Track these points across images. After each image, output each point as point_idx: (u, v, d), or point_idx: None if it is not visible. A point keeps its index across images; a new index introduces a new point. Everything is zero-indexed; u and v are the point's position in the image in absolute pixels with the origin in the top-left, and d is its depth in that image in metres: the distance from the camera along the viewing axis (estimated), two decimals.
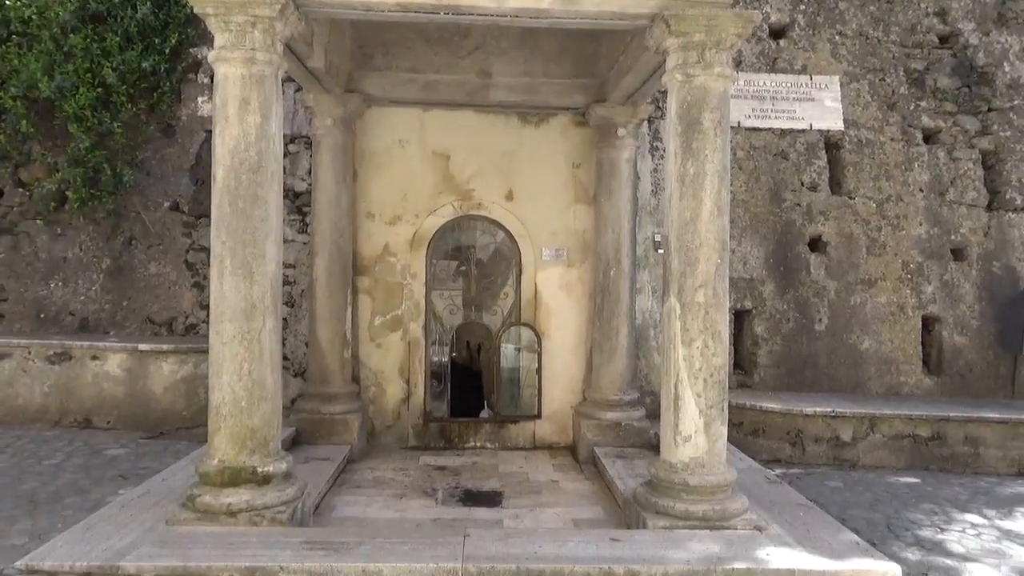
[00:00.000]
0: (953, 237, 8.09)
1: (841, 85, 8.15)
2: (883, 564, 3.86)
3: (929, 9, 8.45)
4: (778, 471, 6.26)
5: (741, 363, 7.87)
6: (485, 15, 4.76)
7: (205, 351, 6.48)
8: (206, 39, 7.73)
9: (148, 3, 7.60)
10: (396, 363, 7.02)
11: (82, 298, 7.67)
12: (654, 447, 6.36)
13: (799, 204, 7.96)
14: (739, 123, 7.85)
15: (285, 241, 6.82)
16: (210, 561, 3.65)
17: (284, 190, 5.57)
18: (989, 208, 8.20)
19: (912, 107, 8.24)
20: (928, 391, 7.87)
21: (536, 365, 7.07)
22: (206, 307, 7.35)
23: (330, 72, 5.81)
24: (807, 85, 8.12)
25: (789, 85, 8.08)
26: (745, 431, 6.98)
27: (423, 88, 6.71)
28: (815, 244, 7.99)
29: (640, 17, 4.61)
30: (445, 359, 7.26)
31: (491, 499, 5.50)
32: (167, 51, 7.61)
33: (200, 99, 7.84)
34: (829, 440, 6.91)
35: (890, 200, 8.04)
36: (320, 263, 6.52)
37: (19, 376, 6.96)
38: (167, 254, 7.69)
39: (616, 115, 6.60)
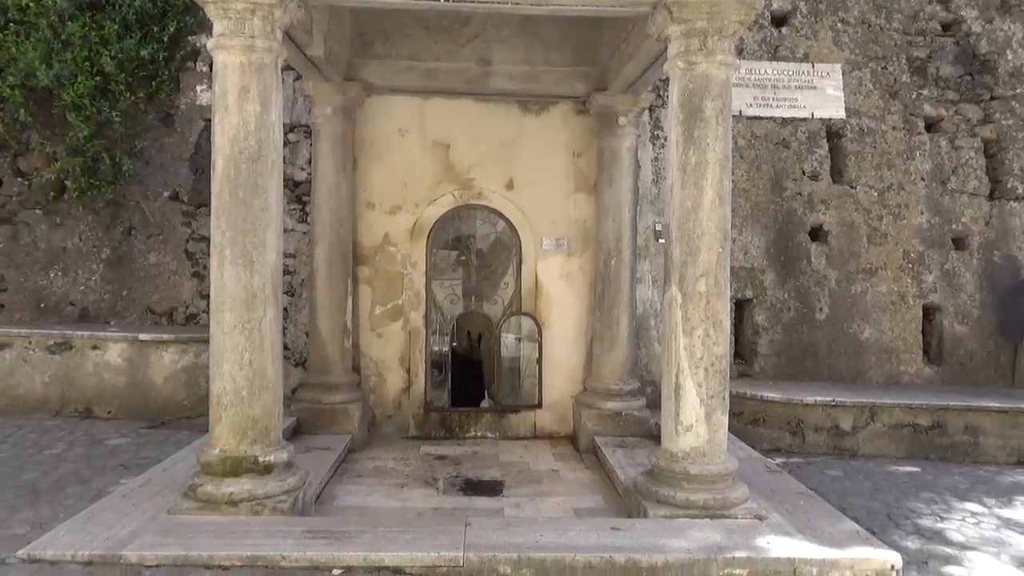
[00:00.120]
0: (954, 226, 8.07)
1: (843, 73, 8.11)
2: (883, 553, 3.87)
3: None
4: (778, 460, 6.27)
5: (742, 352, 7.87)
6: (486, 2, 4.73)
7: (206, 341, 6.49)
8: (205, 27, 7.67)
9: None
10: (397, 353, 7.02)
11: (82, 288, 7.65)
12: (654, 436, 6.38)
13: (800, 193, 7.93)
14: (740, 112, 7.81)
15: (285, 230, 6.79)
16: (212, 550, 3.66)
17: (284, 179, 5.54)
18: (991, 197, 8.17)
19: (914, 95, 8.20)
20: (928, 380, 7.87)
21: (537, 355, 7.07)
22: (206, 297, 7.34)
23: (329, 60, 5.77)
24: (809, 73, 8.07)
25: (791, 73, 8.04)
26: (745, 420, 6.99)
27: (423, 76, 6.68)
28: (816, 233, 7.97)
29: (642, 4, 4.58)
30: (446, 349, 7.26)
31: (492, 488, 5.51)
32: (166, 39, 7.56)
33: (199, 88, 7.79)
34: (829, 429, 6.91)
35: (891, 189, 8.02)
36: (320, 252, 6.51)
37: (20, 366, 6.95)
38: (167, 244, 7.67)
39: (617, 103, 6.57)
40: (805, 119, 8.03)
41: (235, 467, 4.18)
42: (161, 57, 7.54)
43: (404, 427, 7.00)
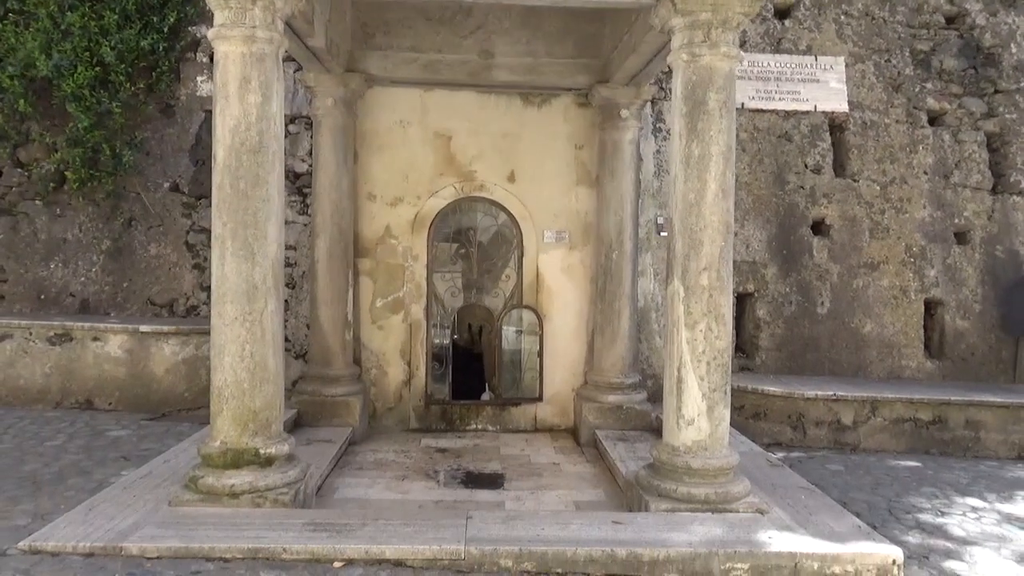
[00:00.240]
0: (957, 220, 8.05)
1: (846, 66, 8.07)
2: (885, 547, 3.87)
3: None
4: (779, 454, 6.27)
5: (743, 346, 7.86)
6: None
7: (206, 332, 6.51)
8: (205, 17, 7.64)
9: None
10: (397, 345, 7.01)
11: (82, 279, 7.64)
12: (655, 430, 6.38)
13: (802, 187, 7.91)
14: (743, 105, 7.79)
15: (286, 222, 6.77)
16: (213, 542, 3.65)
17: (284, 171, 5.53)
18: (993, 191, 8.15)
19: (917, 89, 8.16)
20: (930, 375, 7.86)
21: (538, 348, 7.06)
22: (207, 289, 7.34)
23: (331, 51, 5.74)
24: (812, 66, 8.04)
25: (794, 66, 8.00)
26: (746, 414, 6.98)
27: (424, 68, 6.64)
28: (818, 227, 7.96)
29: None
30: (446, 341, 7.25)
31: (492, 481, 5.51)
32: (166, 30, 7.52)
33: (199, 79, 7.76)
34: (830, 423, 6.91)
35: (894, 183, 7.99)
36: (321, 245, 6.49)
37: (20, 357, 6.94)
38: (167, 235, 7.65)
39: (619, 96, 6.55)
40: (808, 112, 8.00)
41: (236, 459, 4.17)
42: (161, 47, 7.50)
43: (405, 420, 7.00)
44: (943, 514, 5.07)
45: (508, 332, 7.20)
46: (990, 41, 8.30)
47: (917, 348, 7.90)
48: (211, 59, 7.46)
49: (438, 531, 3.89)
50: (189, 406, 6.91)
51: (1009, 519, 5.04)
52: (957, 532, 4.73)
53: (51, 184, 7.58)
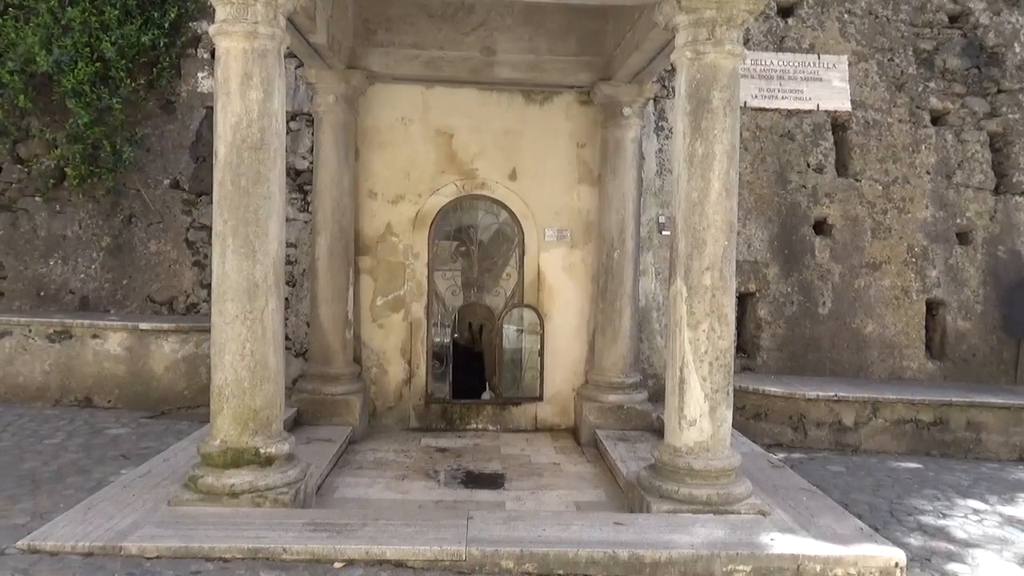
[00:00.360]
0: (959, 221, 8.03)
1: (849, 65, 8.04)
2: (887, 549, 3.85)
3: None
4: (780, 455, 6.25)
5: (744, 346, 7.83)
6: None
7: (206, 330, 6.48)
8: (206, 13, 7.60)
9: None
10: (398, 344, 6.99)
11: (82, 276, 7.61)
12: (656, 430, 6.36)
13: (805, 186, 7.89)
14: (745, 103, 7.75)
15: (286, 220, 6.72)
16: (213, 542, 3.63)
17: (285, 168, 5.48)
18: (996, 191, 8.13)
19: (920, 88, 8.14)
20: (931, 376, 7.85)
21: (538, 347, 7.03)
22: (207, 286, 7.31)
23: (332, 48, 5.71)
24: (815, 65, 8.01)
25: (797, 64, 7.97)
26: (747, 415, 6.96)
27: (426, 65, 6.62)
28: (820, 227, 7.93)
29: None
30: (447, 340, 7.23)
31: (493, 481, 5.49)
32: (166, 25, 7.48)
33: (200, 75, 7.73)
34: (831, 424, 6.89)
35: (896, 182, 7.97)
36: (322, 242, 6.46)
37: (19, 354, 6.92)
38: (167, 232, 7.62)
39: (622, 94, 6.52)
40: (810, 111, 7.97)
41: (236, 458, 4.15)
42: (162, 43, 7.47)
43: (405, 419, 6.98)
44: (945, 516, 5.06)
45: (509, 331, 7.18)
46: (993, 40, 8.27)
47: (918, 349, 7.88)
48: (212, 55, 7.45)
49: (439, 532, 3.87)
50: (189, 404, 6.89)
51: (1011, 521, 5.03)
52: (959, 534, 4.72)
53: (51, 180, 7.55)
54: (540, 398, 7.05)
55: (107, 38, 7.26)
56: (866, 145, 7.98)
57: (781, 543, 3.85)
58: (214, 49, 4.29)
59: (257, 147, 4.18)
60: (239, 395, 4.18)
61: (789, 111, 7.95)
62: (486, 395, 7.21)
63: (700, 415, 4.32)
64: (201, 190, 7.57)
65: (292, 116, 7.36)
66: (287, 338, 7.01)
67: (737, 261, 6.96)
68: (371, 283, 6.97)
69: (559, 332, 7.06)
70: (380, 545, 3.69)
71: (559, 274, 7.10)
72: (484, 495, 5.16)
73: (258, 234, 4.18)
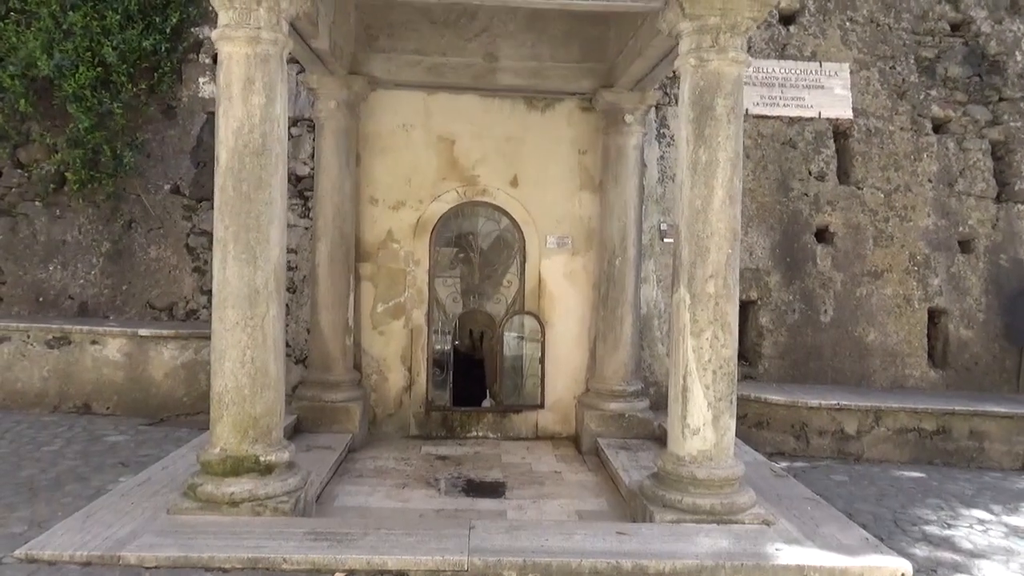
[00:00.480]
0: (961, 229, 8.01)
1: (851, 73, 8.03)
2: (893, 560, 3.82)
3: None
4: (783, 464, 6.22)
5: (745, 354, 7.79)
6: None
7: (206, 337, 6.45)
8: (208, 18, 7.59)
9: None
10: (398, 351, 6.95)
11: (81, 282, 7.58)
12: (658, 438, 6.34)
13: (806, 194, 7.87)
14: (747, 110, 7.72)
15: (287, 226, 6.72)
16: (212, 552, 3.59)
17: (287, 174, 5.46)
18: (998, 200, 8.11)
19: (922, 96, 8.13)
20: (933, 384, 7.81)
21: (539, 354, 7.00)
22: (207, 292, 7.28)
23: (334, 53, 5.70)
24: (816, 72, 8.00)
25: (798, 72, 7.96)
26: (749, 423, 6.92)
27: (428, 71, 6.61)
28: (822, 235, 7.91)
29: None
30: (447, 347, 7.20)
31: (494, 490, 5.45)
32: (168, 30, 7.47)
33: (201, 80, 7.71)
34: (834, 433, 6.86)
35: (898, 191, 7.95)
36: (322, 249, 6.44)
37: (18, 360, 6.88)
38: (167, 238, 7.59)
39: (624, 101, 6.51)
40: (812, 119, 7.96)
41: (236, 467, 4.12)
42: (163, 48, 7.45)
43: (405, 426, 6.94)
44: (949, 526, 5.02)
45: (510, 338, 7.14)
46: (995, 49, 8.27)
47: (921, 357, 7.85)
48: (214, 60, 7.44)
49: (441, 541, 3.83)
50: (188, 411, 6.85)
51: (1016, 532, 4.99)
52: (964, 545, 4.68)
53: (51, 185, 7.52)
54: (541, 406, 7.01)
55: (108, 43, 7.25)
56: (868, 153, 7.97)
57: (786, 554, 3.81)
58: (216, 54, 4.28)
59: (259, 152, 4.16)
60: (239, 402, 4.14)
61: (791, 119, 7.94)
62: (487, 403, 7.17)
63: (703, 424, 4.29)
64: (202, 196, 7.55)
65: (293, 122, 7.35)
66: (287, 345, 6.95)
67: (739, 269, 6.94)
68: (372, 290, 6.95)
69: (560, 339, 7.03)
70: (381, 555, 3.65)
71: (560, 281, 7.07)
72: (485, 504, 5.12)
73: (259, 240, 4.16)
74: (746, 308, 7.77)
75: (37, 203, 7.60)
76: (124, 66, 7.31)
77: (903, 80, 8.13)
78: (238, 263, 4.14)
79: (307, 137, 7.34)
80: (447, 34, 6.60)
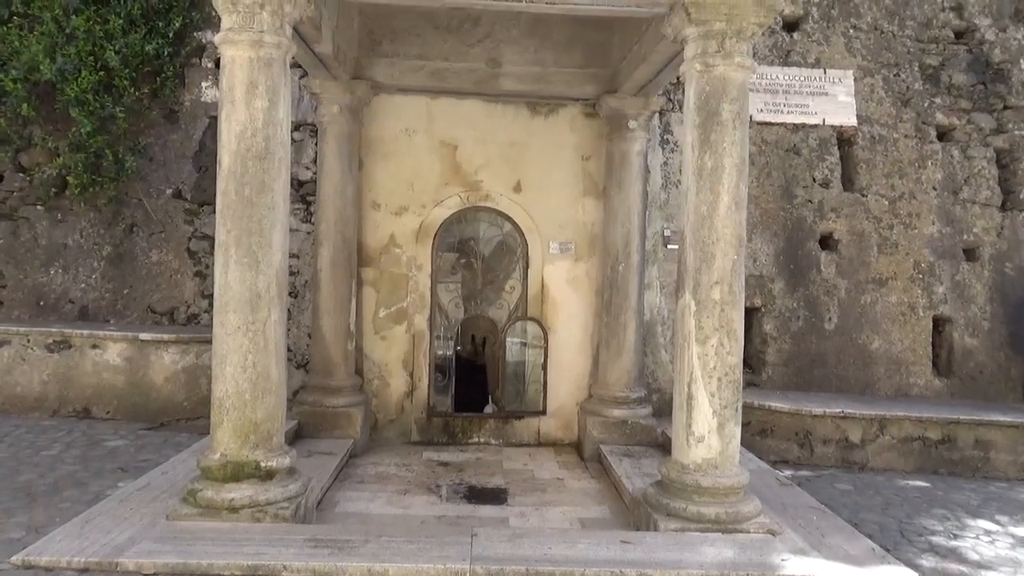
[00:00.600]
0: (966, 237, 7.97)
1: (855, 80, 8.02)
2: (901, 571, 3.78)
3: (945, 3, 8.31)
4: (787, 472, 6.17)
5: (749, 361, 7.75)
6: None
7: (207, 341, 6.41)
8: (211, 23, 7.59)
9: None
10: (400, 356, 6.92)
11: (82, 286, 7.55)
12: (660, 445, 6.29)
13: (810, 201, 7.84)
14: (751, 117, 7.71)
15: (289, 230, 6.70)
16: (211, 558, 3.55)
17: (289, 178, 5.43)
18: (1003, 208, 8.08)
19: (926, 103, 8.11)
20: (938, 393, 7.76)
21: (542, 360, 6.96)
22: (208, 296, 7.25)
23: (337, 58, 5.69)
24: (820, 79, 7.99)
25: (802, 79, 7.95)
26: (753, 431, 6.87)
27: (431, 76, 6.59)
28: (826, 242, 7.88)
29: (659, 4, 4.50)
30: (449, 353, 7.17)
31: (496, 496, 5.41)
32: (171, 34, 7.46)
33: (204, 84, 7.70)
34: (838, 441, 6.81)
35: (903, 198, 7.92)
36: (324, 253, 6.41)
37: (17, 364, 6.85)
38: (169, 242, 7.57)
39: (627, 107, 6.49)
40: (816, 125, 7.94)
41: (236, 472, 4.08)
42: (166, 53, 7.44)
43: (406, 432, 6.90)
44: (956, 537, 4.97)
45: (512, 344, 7.11)
46: (999, 57, 8.25)
47: (925, 366, 7.81)
48: (216, 65, 7.42)
49: (443, 549, 3.79)
50: (188, 416, 6.81)
51: (1023, 543, 4.93)
52: (971, 556, 4.63)
53: (53, 189, 7.50)
54: (543, 412, 6.97)
55: (111, 47, 7.24)
56: (872, 160, 7.94)
57: (793, 564, 3.77)
58: (218, 59, 4.26)
59: (261, 156, 4.14)
60: (240, 407, 4.11)
61: (795, 125, 7.92)
62: (489, 409, 7.13)
63: (708, 431, 4.25)
64: (203, 200, 7.52)
65: (296, 126, 7.32)
66: (288, 349, 6.91)
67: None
68: (374, 295, 6.91)
69: (563, 345, 6.99)
70: (383, 563, 3.61)
71: (563, 287, 7.04)
72: (487, 511, 5.08)
73: (261, 244, 4.13)
74: (750, 315, 7.73)
75: (38, 207, 7.58)
76: (127, 70, 7.30)
77: (907, 87, 8.11)
78: (240, 267, 4.11)
79: (310, 142, 7.32)
80: (450, 39, 6.58)
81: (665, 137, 7.50)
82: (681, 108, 7.36)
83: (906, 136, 8.02)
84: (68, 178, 7.39)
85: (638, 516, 4.62)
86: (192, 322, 7.49)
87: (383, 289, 6.92)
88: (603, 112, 6.67)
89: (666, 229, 7.33)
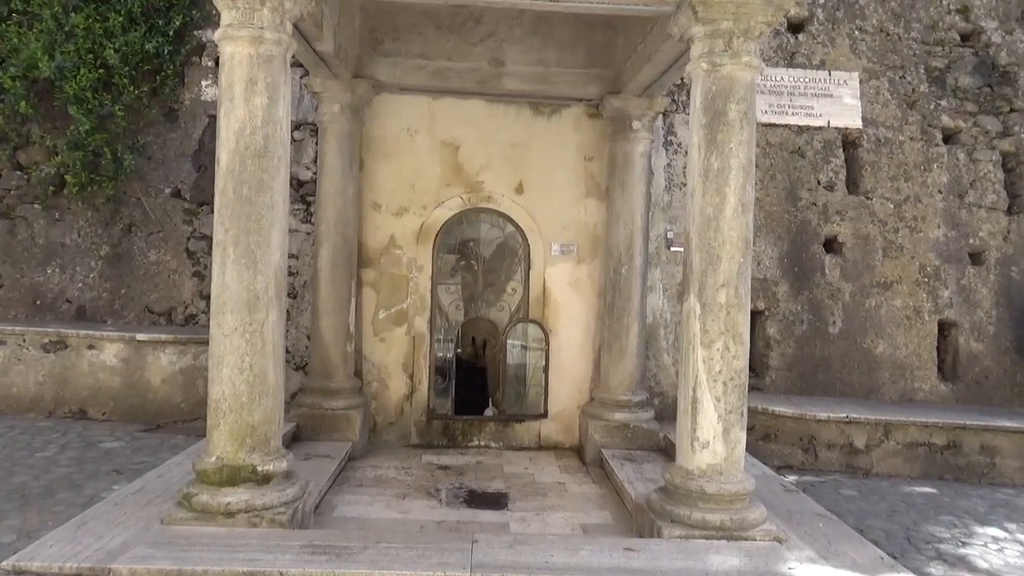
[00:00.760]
0: (971, 241, 7.90)
1: (860, 82, 7.95)
2: None
3: (951, 6, 8.24)
4: (791, 478, 6.10)
5: (752, 365, 7.67)
6: None
7: (205, 342, 6.33)
8: (211, 21, 7.52)
9: None
10: (400, 358, 6.84)
11: (79, 285, 7.48)
12: (663, 450, 6.22)
13: (815, 203, 7.77)
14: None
15: (289, 231, 6.63)
16: (206, 565, 3.47)
17: (289, 177, 5.37)
18: (1009, 212, 8.00)
19: (932, 106, 8.04)
20: (943, 398, 7.68)
21: (543, 363, 6.89)
22: (206, 297, 7.18)
23: (338, 56, 5.62)
24: (825, 81, 7.92)
25: (807, 81, 7.88)
26: (756, 435, 6.80)
27: (433, 75, 6.52)
28: (830, 245, 7.81)
29: (665, 3, 4.43)
30: (450, 355, 7.09)
31: (496, 501, 5.34)
32: (171, 33, 7.40)
33: (204, 83, 7.64)
34: (842, 446, 6.74)
35: (908, 201, 7.85)
36: (324, 254, 6.34)
37: (13, 364, 6.78)
38: (167, 242, 7.50)
39: (631, 107, 6.42)
40: (821, 128, 7.87)
41: (232, 476, 4.00)
42: (166, 51, 7.38)
43: (406, 435, 6.82)
44: (964, 544, 4.90)
45: (513, 346, 7.04)
46: (1006, 59, 8.18)
47: (930, 370, 7.73)
48: (217, 63, 7.34)
49: (442, 556, 3.71)
50: (185, 418, 6.74)
51: None
52: (980, 564, 4.56)
53: (51, 188, 7.44)
54: (544, 415, 6.89)
55: (111, 45, 7.18)
56: (877, 163, 7.87)
57: (800, 573, 3.69)
58: (219, 57, 4.19)
59: (260, 154, 4.07)
60: (237, 410, 4.03)
61: (800, 127, 7.85)
62: (489, 412, 7.06)
63: (713, 436, 4.17)
64: (203, 199, 7.46)
65: (296, 126, 7.26)
66: (287, 351, 6.84)
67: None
68: (373, 296, 6.84)
69: (564, 348, 6.92)
70: (381, 569, 3.53)
71: (565, 289, 6.97)
72: (487, 515, 5.01)
73: (260, 244, 4.06)
74: (753, 318, 7.65)
75: (36, 206, 7.52)
76: (126, 68, 7.24)
77: (913, 90, 8.04)
78: (238, 267, 4.03)
79: (310, 141, 7.26)
80: (452, 38, 6.52)
81: (669, 138, 7.44)
82: (685, 109, 7.30)
83: (911, 139, 7.95)
84: (66, 177, 7.33)
85: (641, 522, 4.55)
86: (190, 323, 7.42)
87: (383, 290, 6.85)
88: (606, 113, 6.60)
89: (669, 231, 7.26)
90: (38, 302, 7.46)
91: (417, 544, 3.89)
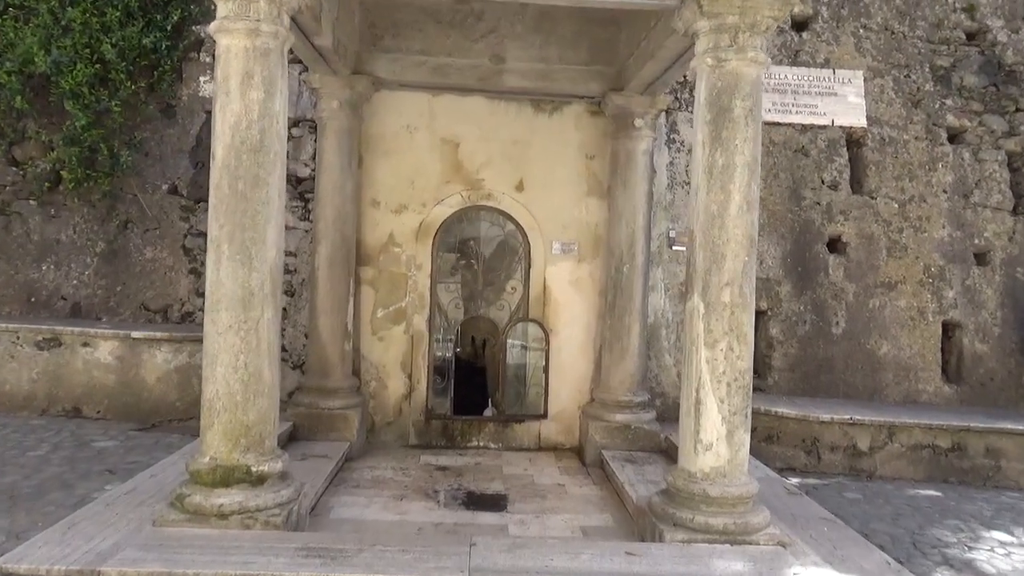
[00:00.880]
0: (976, 241, 7.82)
1: (865, 80, 7.87)
2: None
3: (957, 4, 8.16)
4: (794, 480, 6.02)
5: (755, 366, 7.49)
6: None
7: (200, 340, 6.22)
8: (209, 16, 7.33)
9: None
10: (398, 357, 6.76)
11: (74, 282, 7.40)
12: (664, 452, 6.14)
13: (819, 203, 7.69)
14: None
15: (286, 228, 6.53)
16: (198, 567, 3.39)
17: (286, 175, 5.29)
18: (1014, 212, 7.92)
19: (937, 105, 7.96)
20: (947, 400, 7.61)
21: (543, 363, 6.82)
22: (203, 295, 7.06)
23: (337, 52, 5.54)
24: (830, 79, 7.84)
25: (811, 79, 7.80)
26: (759, 437, 6.71)
27: (433, 72, 6.44)
28: (834, 244, 7.73)
29: None
30: (449, 354, 7.01)
31: (495, 503, 5.26)
32: (169, 28, 7.32)
33: (202, 79, 7.56)
34: (846, 449, 6.66)
35: (912, 201, 7.77)
36: (322, 251, 6.26)
37: (6, 361, 6.70)
38: (164, 239, 7.42)
39: (634, 105, 6.34)
40: (825, 126, 7.79)
41: (226, 477, 3.92)
42: (163, 46, 7.30)
43: (404, 435, 6.74)
44: (970, 549, 4.82)
45: (513, 346, 6.96)
46: (1012, 58, 8.10)
47: (934, 372, 7.65)
48: (214, 58, 7.28)
49: (439, 559, 3.63)
50: (180, 416, 6.66)
51: None
52: (987, 569, 4.48)
53: (46, 183, 7.36)
54: (544, 416, 6.82)
55: (108, 40, 7.10)
56: (882, 162, 7.80)
57: None
58: (215, 47, 4.11)
59: (256, 149, 3.99)
60: (231, 409, 3.95)
61: (803, 126, 7.77)
62: (488, 412, 6.98)
63: (717, 439, 4.10)
64: (200, 196, 7.37)
65: (295, 123, 7.18)
66: (284, 350, 6.79)
67: None
68: (372, 294, 6.76)
69: (564, 348, 6.84)
70: (377, 573, 3.46)
71: (565, 288, 6.89)
72: (486, 518, 4.92)
73: (255, 240, 3.98)
74: (756, 319, 7.49)
75: (31, 202, 7.44)
76: (123, 63, 7.16)
77: (918, 89, 7.96)
78: (232, 264, 3.96)
79: (308, 138, 7.18)
80: (453, 34, 6.44)
81: (671, 136, 7.36)
82: (688, 107, 7.22)
83: (916, 138, 7.87)
84: (62, 172, 7.26)
85: (642, 525, 4.47)
86: (186, 320, 7.34)
87: (382, 289, 6.77)
88: (608, 110, 6.53)
89: (671, 230, 7.18)
90: (32, 299, 7.38)
91: (414, 547, 3.81)
